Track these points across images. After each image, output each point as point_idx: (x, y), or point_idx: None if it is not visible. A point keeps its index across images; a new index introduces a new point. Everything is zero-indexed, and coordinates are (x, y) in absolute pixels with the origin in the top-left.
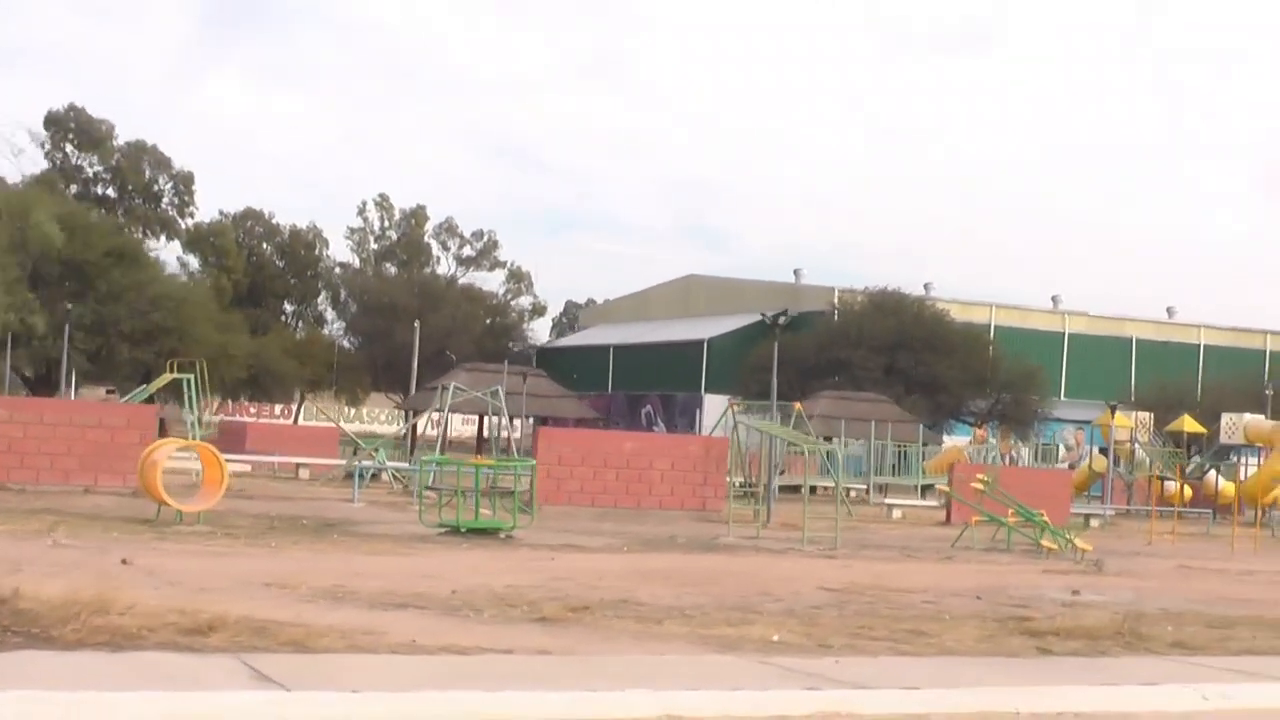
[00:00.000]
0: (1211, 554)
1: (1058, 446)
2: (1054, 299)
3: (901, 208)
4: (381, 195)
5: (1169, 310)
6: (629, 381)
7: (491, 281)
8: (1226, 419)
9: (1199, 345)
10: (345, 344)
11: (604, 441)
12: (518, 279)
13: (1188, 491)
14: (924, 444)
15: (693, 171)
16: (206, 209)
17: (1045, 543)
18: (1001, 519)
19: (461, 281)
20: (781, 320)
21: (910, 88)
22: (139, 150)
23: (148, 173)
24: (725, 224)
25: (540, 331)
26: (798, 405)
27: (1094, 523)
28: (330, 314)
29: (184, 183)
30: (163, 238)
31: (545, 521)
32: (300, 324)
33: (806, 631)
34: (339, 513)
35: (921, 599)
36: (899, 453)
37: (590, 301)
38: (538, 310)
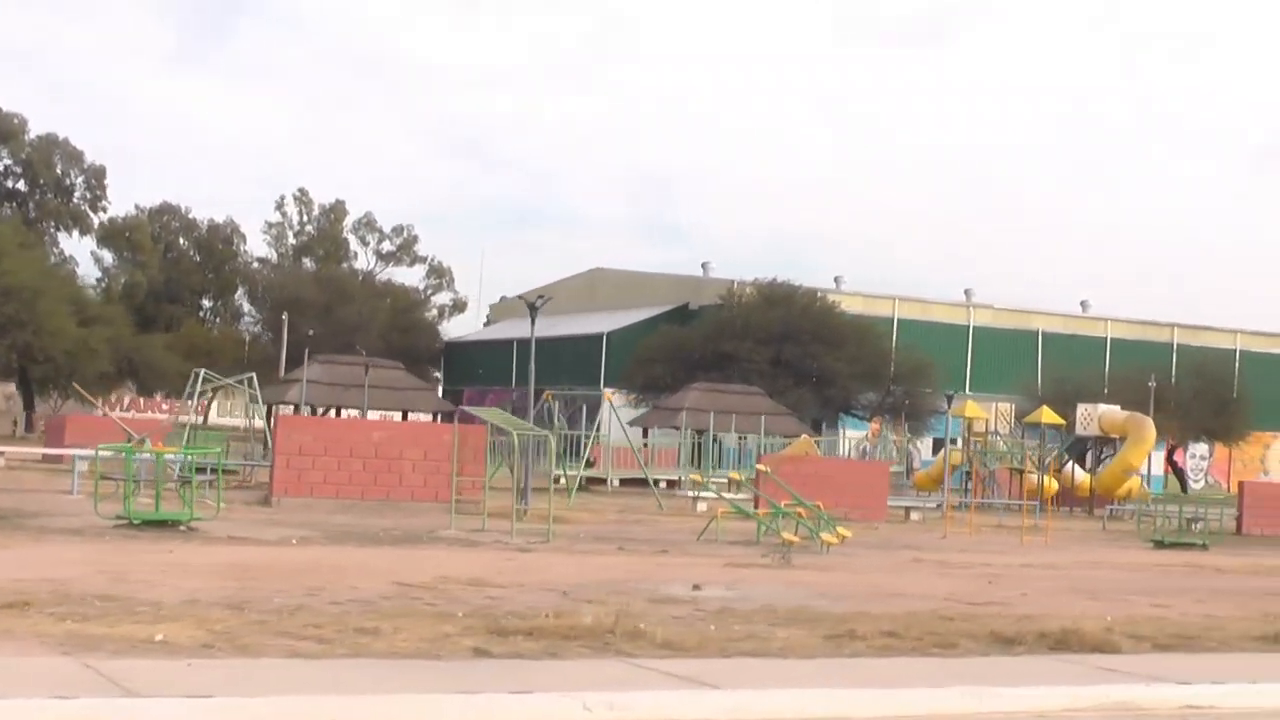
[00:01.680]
0: (993, 547)
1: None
2: (966, 292)
3: (857, 204)
4: (301, 190)
5: (1083, 304)
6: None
7: (413, 277)
8: (1082, 409)
9: (1106, 338)
10: (262, 339)
11: (350, 431)
12: (439, 274)
13: (1053, 484)
14: (766, 434)
15: (643, 166)
16: (122, 204)
17: (786, 535)
18: (749, 510)
19: (380, 277)
20: (538, 303)
21: (874, 85)
22: (50, 144)
23: (59, 167)
24: (678, 219)
25: (472, 326)
26: (548, 394)
27: (914, 515)
28: (248, 308)
29: (96, 177)
30: (75, 233)
31: (276, 514)
32: (218, 319)
33: (223, 630)
34: (40, 505)
35: (486, 594)
36: (741, 445)
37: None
38: (458, 306)
